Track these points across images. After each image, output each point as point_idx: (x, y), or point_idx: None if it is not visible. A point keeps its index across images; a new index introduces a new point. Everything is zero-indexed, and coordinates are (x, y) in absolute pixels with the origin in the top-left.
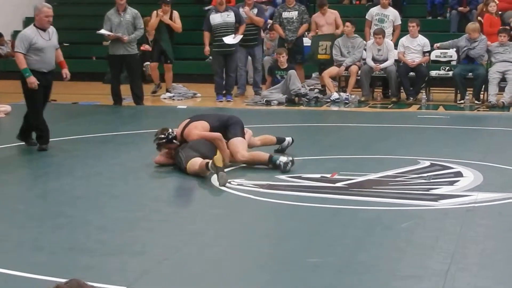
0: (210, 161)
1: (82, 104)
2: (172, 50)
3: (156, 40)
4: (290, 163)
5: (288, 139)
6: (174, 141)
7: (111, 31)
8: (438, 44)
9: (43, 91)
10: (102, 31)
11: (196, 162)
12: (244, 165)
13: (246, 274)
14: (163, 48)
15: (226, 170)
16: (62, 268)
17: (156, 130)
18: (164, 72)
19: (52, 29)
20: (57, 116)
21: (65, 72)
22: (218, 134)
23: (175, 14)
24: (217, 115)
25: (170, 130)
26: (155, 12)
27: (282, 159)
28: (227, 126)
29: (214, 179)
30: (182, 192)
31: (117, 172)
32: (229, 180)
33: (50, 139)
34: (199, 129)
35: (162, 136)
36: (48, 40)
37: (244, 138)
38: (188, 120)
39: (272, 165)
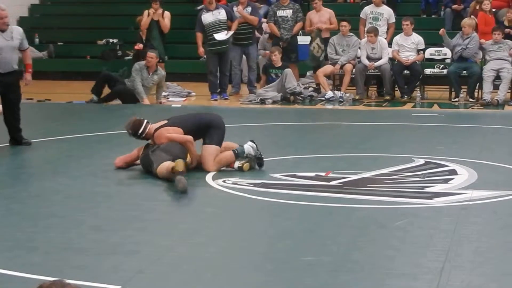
0: (173, 165)
1: (76, 103)
2: (164, 49)
3: (147, 39)
4: (255, 146)
5: (247, 146)
6: (141, 139)
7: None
8: (444, 30)
9: (3, 94)
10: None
11: (164, 166)
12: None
13: (240, 273)
14: (154, 47)
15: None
16: (56, 268)
17: (131, 118)
18: None
19: (15, 30)
20: (52, 115)
21: (26, 77)
22: (188, 137)
23: (166, 13)
24: (197, 118)
25: (142, 127)
26: (146, 11)
27: (248, 149)
28: (207, 129)
29: (209, 177)
30: (176, 191)
31: (111, 172)
32: (223, 179)
33: (45, 138)
34: (170, 132)
35: (131, 132)
36: (8, 40)
37: (220, 146)
38: (165, 121)
39: (243, 159)
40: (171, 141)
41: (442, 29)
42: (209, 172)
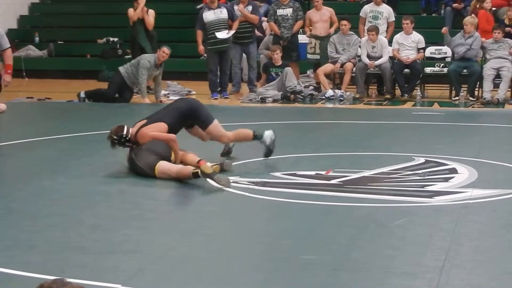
0: (199, 171)
1: (76, 102)
2: (151, 47)
3: (133, 38)
4: (274, 139)
5: (268, 133)
6: (127, 144)
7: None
8: (446, 29)
9: None
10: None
11: (170, 168)
12: (239, 162)
13: (240, 272)
14: (141, 45)
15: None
16: (56, 267)
17: (111, 128)
18: None
19: None
20: (52, 114)
21: (5, 78)
22: (171, 136)
23: (150, 11)
24: (175, 109)
25: (125, 130)
26: (131, 9)
27: (267, 136)
28: (191, 115)
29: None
30: (176, 190)
31: (111, 171)
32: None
33: (45, 137)
34: (154, 130)
35: (115, 137)
36: None
37: (214, 118)
38: (145, 120)
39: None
40: (155, 139)
41: (444, 28)
42: (227, 141)
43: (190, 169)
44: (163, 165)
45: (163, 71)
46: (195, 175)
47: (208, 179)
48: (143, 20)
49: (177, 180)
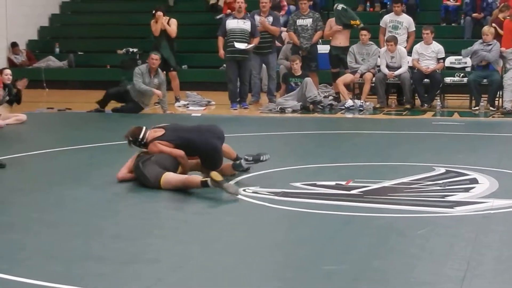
0: (209, 179)
1: (97, 113)
2: (174, 57)
3: (156, 48)
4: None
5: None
6: (142, 146)
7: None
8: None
9: None
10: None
11: (176, 178)
12: (259, 173)
13: (260, 281)
14: (164, 56)
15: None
16: (77, 277)
17: (130, 128)
18: (171, 80)
19: None
20: (73, 124)
21: None
22: (180, 152)
23: (172, 21)
24: (196, 138)
25: (142, 133)
26: (153, 21)
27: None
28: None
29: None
30: (196, 200)
31: (131, 180)
32: (243, 188)
33: (66, 147)
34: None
35: (130, 139)
36: None
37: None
38: (163, 131)
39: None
40: (162, 153)
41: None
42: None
43: (198, 177)
44: (169, 176)
45: (179, 81)
46: (204, 183)
47: (218, 187)
48: (166, 32)
49: (195, 191)
